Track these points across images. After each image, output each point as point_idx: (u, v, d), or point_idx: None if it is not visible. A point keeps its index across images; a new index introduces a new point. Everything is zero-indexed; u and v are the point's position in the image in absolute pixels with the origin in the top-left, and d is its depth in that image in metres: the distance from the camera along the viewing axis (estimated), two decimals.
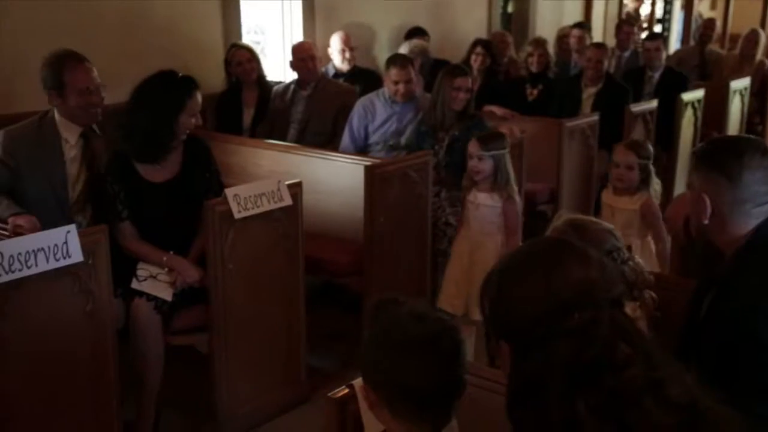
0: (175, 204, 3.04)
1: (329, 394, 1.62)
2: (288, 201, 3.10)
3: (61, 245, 2.44)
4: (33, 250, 2.37)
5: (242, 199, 2.95)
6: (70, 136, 3.12)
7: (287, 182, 3.13)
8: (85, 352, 2.57)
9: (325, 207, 3.77)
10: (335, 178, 3.81)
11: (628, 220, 3.30)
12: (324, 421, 1.80)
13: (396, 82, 4.27)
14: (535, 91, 5.64)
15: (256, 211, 2.99)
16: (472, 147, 3.38)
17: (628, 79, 5.84)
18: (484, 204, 3.39)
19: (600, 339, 1.14)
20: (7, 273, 2.30)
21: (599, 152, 5.10)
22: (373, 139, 4.37)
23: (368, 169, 3.51)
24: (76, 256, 2.47)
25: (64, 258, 2.44)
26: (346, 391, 1.61)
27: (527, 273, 1.27)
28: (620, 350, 1.14)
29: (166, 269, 2.97)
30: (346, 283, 3.77)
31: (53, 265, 2.42)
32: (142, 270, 2.97)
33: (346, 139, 4.38)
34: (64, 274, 2.47)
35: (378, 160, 3.77)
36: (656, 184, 3.43)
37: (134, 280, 2.93)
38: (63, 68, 3.03)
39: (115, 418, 2.69)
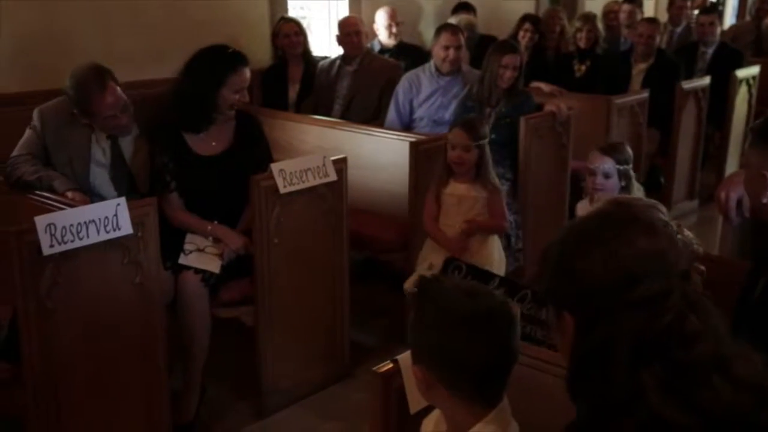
0: (223, 178, 3.07)
1: (374, 369, 1.62)
2: (333, 176, 3.11)
3: (111, 217, 2.48)
4: (84, 222, 2.42)
5: (288, 174, 2.97)
6: (99, 136, 3.08)
7: (332, 158, 3.14)
8: (134, 322, 2.62)
9: (370, 183, 3.76)
10: (380, 154, 3.80)
11: None
12: (368, 396, 1.81)
13: (446, 47, 4.23)
14: (583, 67, 5.54)
15: (302, 186, 3.01)
16: (459, 137, 3.12)
17: (680, 55, 5.71)
18: (467, 196, 3.16)
19: (670, 311, 1.09)
20: (59, 244, 2.36)
21: (648, 130, 5.01)
22: (417, 113, 4.34)
23: (413, 146, 3.50)
24: (126, 228, 2.52)
25: (114, 230, 2.49)
26: (391, 366, 1.61)
27: (595, 243, 1.23)
28: (690, 324, 1.10)
29: (211, 239, 3.01)
30: (390, 259, 3.78)
31: (104, 236, 2.47)
32: (189, 244, 3.02)
33: (391, 114, 4.37)
34: (114, 246, 2.52)
35: (423, 137, 3.75)
36: (638, 191, 3.04)
37: (181, 255, 2.97)
38: (86, 96, 2.93)
39: (163, 387, 2.74)
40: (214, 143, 3.12)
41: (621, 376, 1.09)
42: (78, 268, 2.45)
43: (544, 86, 4.89)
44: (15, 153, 3.05)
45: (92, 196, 3.02)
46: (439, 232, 3.21)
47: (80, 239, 2.41)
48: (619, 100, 4.70)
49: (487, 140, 3.17)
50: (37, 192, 2.90)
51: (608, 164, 2.93)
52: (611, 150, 2.99)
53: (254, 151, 3.14)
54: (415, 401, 1.61)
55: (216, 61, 3.06)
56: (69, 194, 2.87)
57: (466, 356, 1.36)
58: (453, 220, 3.17)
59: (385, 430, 1.61)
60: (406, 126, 4.32)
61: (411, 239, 3.58)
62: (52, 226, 2.34)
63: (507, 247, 4.02)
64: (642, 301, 1.12)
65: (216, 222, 3.05)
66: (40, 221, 2.33)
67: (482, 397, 1.40)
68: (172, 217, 3.06)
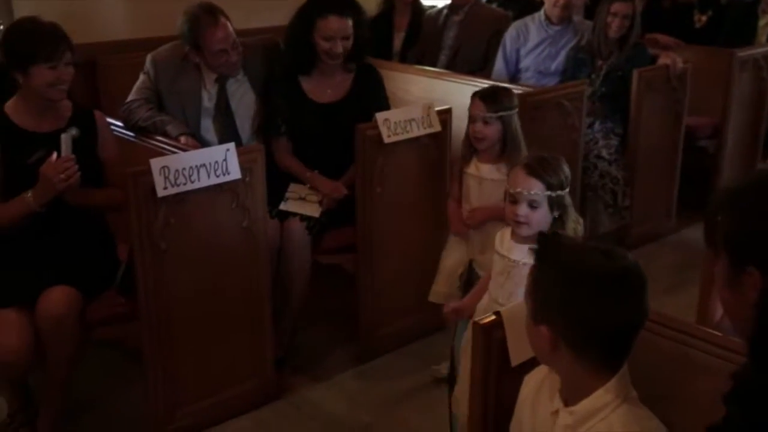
0: (333, 126, 3.09)
1: (475, 320, 1.61)
2: (437, 127, 3.09)
3: (221, 162, 2.55)
4: (196, 166, 2.50)
5: (392, 123, 2.96)
6: (208, 81, 3.15)
7: (437, 108, 3.11)
8: (241, 264, 2.71)
9: None
10: None
11: None
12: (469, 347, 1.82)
13: None
14: (704, 18, 5.23)
15: (406, 136, 3.00)
16: (476, 108, 2.72)
17: None
18: (489, 178, 2.72)
19: None
20: (173, 186, 2.45)
21: None
22: (524, 63, 4.25)
23: (520, 98, 3.37)
24: (235, 173, 2.58)
25: (224, 175, 2.56)
26: (493, 318, 1.60)
27: None
28: None
29: (309, 186, 3.07)
30: None
31: (213, 180, 2.54)
32: (291, 192, 3.09)
33: (499, 63, 4.29)
34: (223, 190, 2.60)
35: (530, 88, 3.66)
36: (575, 222, 2.26)
37: (282, 202, 3.04)
38: (198, 30, 2.99)
39: (267, 325, 2.84)
40: (329, 91, 3.15)
41: None
42: (189, 211, 2.55)
43: (661, 37, 4.66)
44: (130, 98, 3.17)
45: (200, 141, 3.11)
46: (450, 211, 2.87)
47: (192, 182, 2.50)
48: (743, 53, 4.43)
49: (513, 113, 2.72)
50: (152, 136, 3.02)
51: (536, 189, 2.17)
52: (542, 169, 2.19)
53: (370, 104, 3.10)
54: (517, 354, 1.60)
55: (309, 5, 3.09)
56: (182, 139, 2.97)
57: (599, 316, 1.32)
58: (472, 203, 2.78)
59: (485, 381, 1.61)
60: (512, 76, 4.24)
61: None
62: (166, 169, 2.44)
63: (613, 204, 3.92)
64: None
65: (317, 171, 3.09)
66: (155, 164, 2.42)
67: (607, 360, 1.37)
68: (278, 160, 3.13)
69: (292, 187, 3.10)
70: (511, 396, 1.60)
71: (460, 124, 3.31)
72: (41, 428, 2.62)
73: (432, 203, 3.21)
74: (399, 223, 3.12)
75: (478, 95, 2.75)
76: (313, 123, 3.11)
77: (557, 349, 1.37)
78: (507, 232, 2.28)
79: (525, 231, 2.19)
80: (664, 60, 4.02)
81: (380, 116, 2.95)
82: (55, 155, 2.50)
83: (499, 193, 2.61)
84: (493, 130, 2.70)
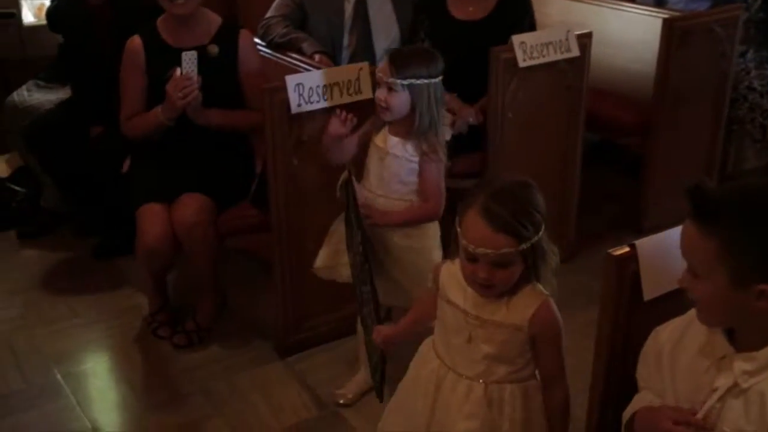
0: (472, 46, 3.00)
1: (609, 251, 1.56)
2: (576, 52, 2.97)
3: (354, 81, 2.55)
4: (329, 84, 2.51)
5: (528, 47, 2.87)
6: None
7: (576, 32, 2.98)
8: None
9: (614, 61, 3.55)
10: (628, 32, 3.56)
11: (504, 345, 1.67)
12: (590, 279, 1.79)
13: None
14: None
15: (542, 60, 2.90)
16: (382, 70, 2.23)
17: None
18: (394, 154, 2.24)
19: None
20: (306, 103, 2.48)
21: None
22: None
23: (666, 23, 3.22)
24: (367, 93, 2.55)
25: (356, 94, 2.56)
26: (628, 250, 1.55)
27: None
28: None
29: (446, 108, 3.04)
30: (627, 143, 3.60)
31: (346, 99, 2.53)
32: None
33: None
34: (355, 109, 2.59)
35: (678, 13, 3.44)
36: (553, 254, 1.66)
37: None
38: None
39: None
40: (471, 8, 3.07)
41: None
42: (322, 129, 2.54)
43: None
44: (269, 14, 3.22)
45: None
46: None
47: (325, 101, 2.52)
48: None
49: (429, 82, 2.19)
50: (288, 53, 3.05)
51: (506, 247, 1.57)
52: (510, 216, 1.57)
53: (513, 27, 2.97)
54: (650, 288, 1.55)
55: None
56: (316, 57, 2.99)
57: None
58: (371, 181, 2.30)
59: (616, 313, 1.57)
60: (658, 2, 3.99)
61: (652, 124, 3.37)
62: (301, 86, 2.46)
63: (761, 139, 3.68)
64: None
65: (455, 94, 3.05)
66: (290, 80, 2.45)
67: None
68: None
69: None
70: (639, 330, 1.56)
71: (599, 49, 3.18)
72: (200, 316, 2.88)
73: (565, 131, 3.12)
74: (529, 150, 3.04)
75: (388, 56, 2.26)
76: (450, 40, 3.03)
77: None
78: (459, 284, 1.70)
79: (489, 292, 1.65)
80: None
81: (516, 39, 2.86)
82: (178, 71, 2.57)
83: (403, 173, 2.24)
84: (399, 100, 2.19)
